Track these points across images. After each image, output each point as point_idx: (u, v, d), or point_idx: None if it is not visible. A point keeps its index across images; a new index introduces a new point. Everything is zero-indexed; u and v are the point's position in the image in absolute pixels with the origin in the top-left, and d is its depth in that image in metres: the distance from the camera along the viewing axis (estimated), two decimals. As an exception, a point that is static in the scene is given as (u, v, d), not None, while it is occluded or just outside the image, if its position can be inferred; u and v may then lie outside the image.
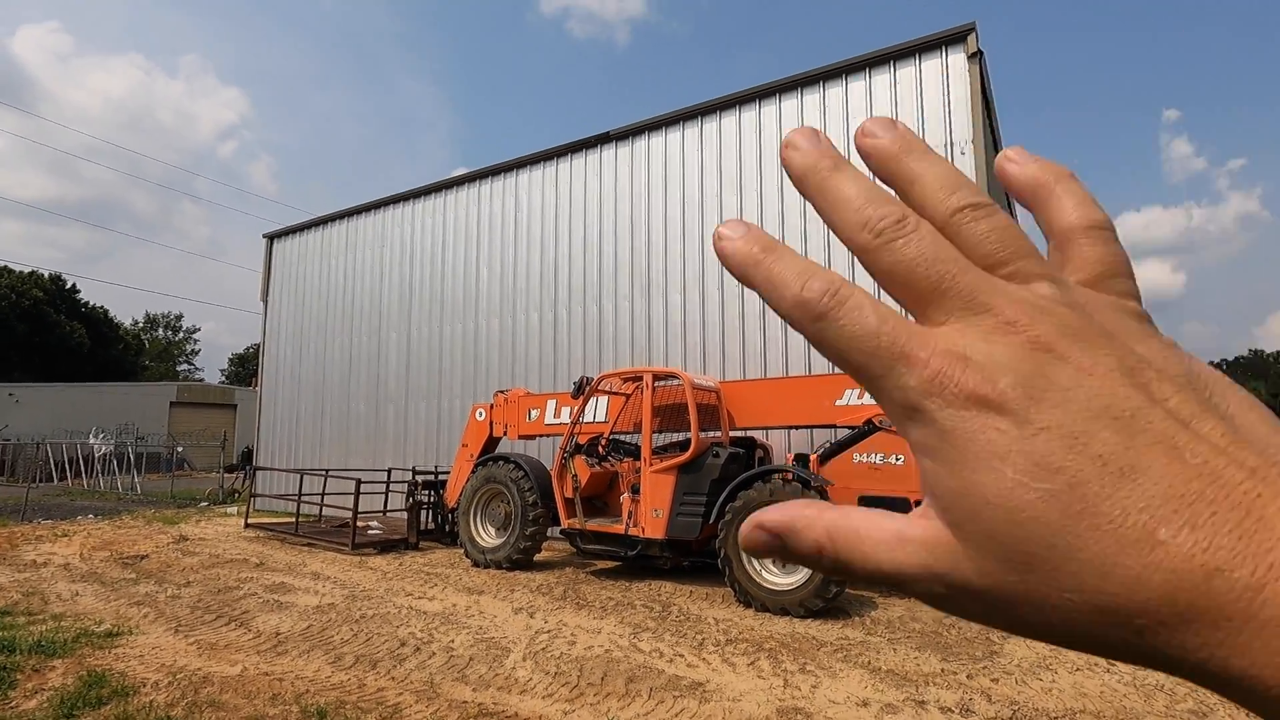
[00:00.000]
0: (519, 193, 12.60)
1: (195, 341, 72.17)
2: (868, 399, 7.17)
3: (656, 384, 8.00)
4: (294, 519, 10.69)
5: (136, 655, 5.16)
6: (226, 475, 20.26)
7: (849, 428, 7.30)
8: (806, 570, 6.39)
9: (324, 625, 5.98)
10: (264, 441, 16.38)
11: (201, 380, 63.09)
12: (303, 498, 10.65)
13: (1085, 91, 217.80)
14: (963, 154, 8.44)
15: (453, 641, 5.55)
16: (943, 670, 5.00)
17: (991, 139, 10.03)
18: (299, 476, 10.96)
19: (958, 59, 8.63)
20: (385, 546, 9.88)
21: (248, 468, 14.54)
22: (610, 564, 8.85)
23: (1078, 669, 5.06)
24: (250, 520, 11.30)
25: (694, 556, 8.00)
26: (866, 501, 6.81)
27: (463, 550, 8.81)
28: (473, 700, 4.39)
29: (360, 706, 4.22)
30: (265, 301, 16.95)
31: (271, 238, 17.09)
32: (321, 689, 4.52)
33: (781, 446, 8.81)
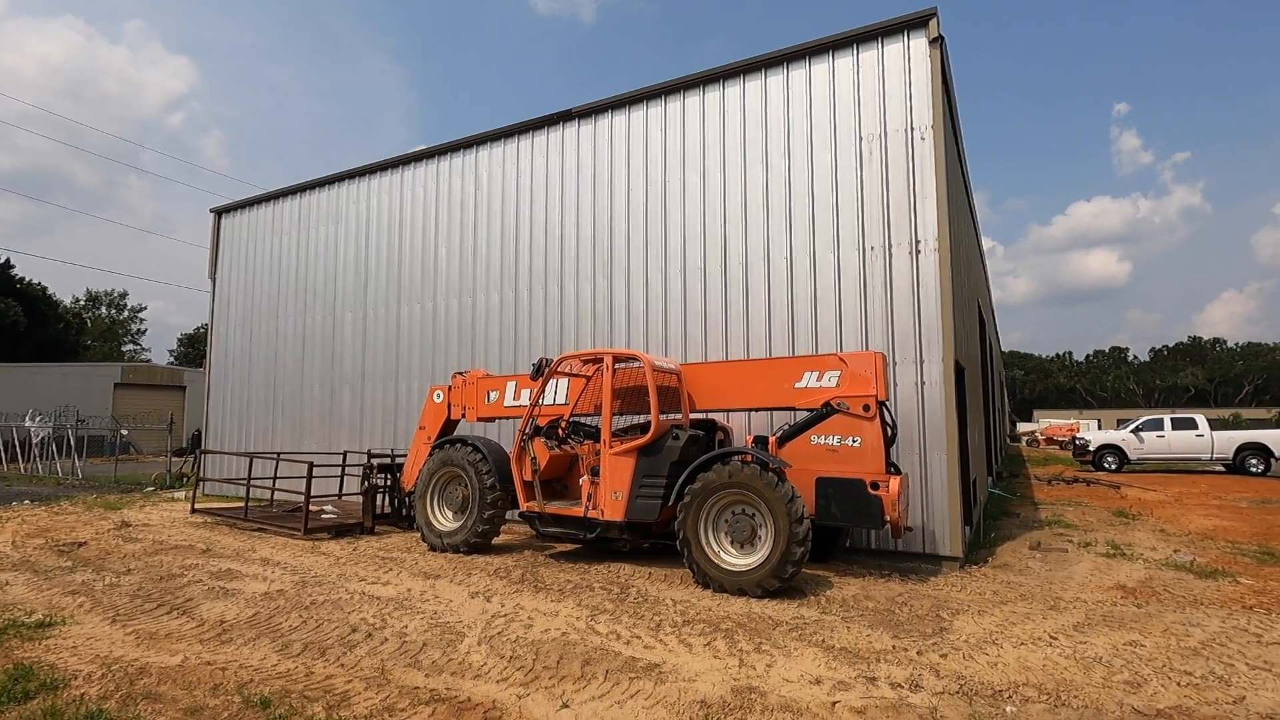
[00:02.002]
0: (479, 170, 12.31)
1: (141, 321, 69.45)
2: (826, 381, 7.23)
3: (617, 366, 7.94)
4: (244, 503, 10.38)
5: (69, 646, 4.93)
6: (174, 459, 19.60)
7: (808, 410, 7.35)
8: (765, 551, 6.45)
9: (272, 612, 5.81)
10: (213, 424, 15.84)
11: (149, 361, 60.83)
12: (253, 482, 10.34)
13: (1043, 82, 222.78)
14: (923, 139, 8.50)
15: (406, 627, 5.44)
16: (894, 647, 5.09)
17: (951, 124, 10.13)
18: (248, 460, 10.61)
19: (919, 44, 8.65)
20: (340, 531, 9.67)
21: (196, 451, 14.05)
22: (570, 547, 8.81)
23: (1022, 644, 5.21)
24: (197, 505, 10.93)
25: (654, 538, 8.01)
26: (823, 483, 6.89)
27: (419, 534, 8.67)
28: (425, 686, 4.31)
29: (306, 695, 4.10)
30: (213, 279, 16.31)
31: (220, 213, 16.41)
32: (267, 678, 4.39)
33: (743, 429, 8.85)
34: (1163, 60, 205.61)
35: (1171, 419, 22.49)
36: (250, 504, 10.67)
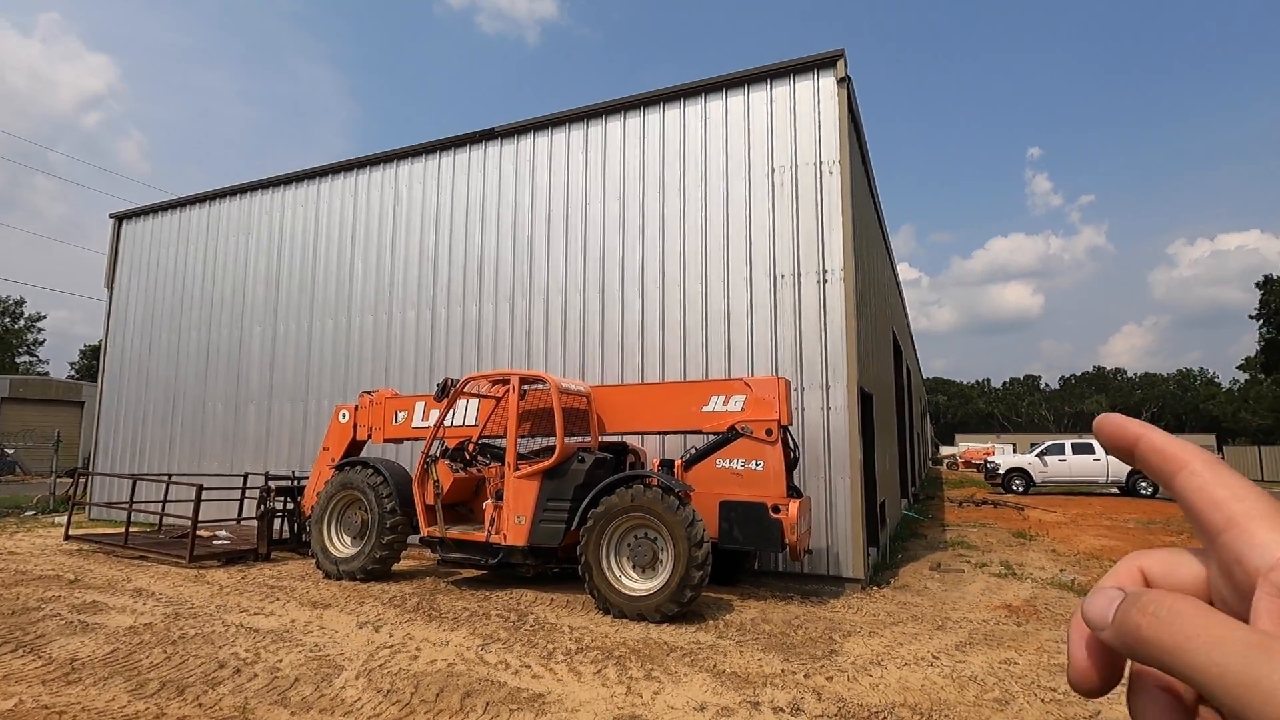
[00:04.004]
0: (399, 185, 12.06)
1: (39, 330, 64.53)
2: (732, 405, 7.33)
3: (524, 387, 7.83)
4: (124, 529, 9.66)
5: (-118, 692, 4.43)
6: (61, 480, 18.15)
7: (715, 433, 7.42)
8: (665, 575, 6.42)
9: (133, 648, 5.39)
10: (104, 443, 14.78)
11: (46, 374, 56.54)
12: (142, 506, 9.65)
13: (969, 122, 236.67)
14: (830, 173, 8.82)
15: (280, 661, 5.14)
16: (783, 670, 5.13)
17: (861, 158, 10.57)
18: (131, 482, 9.92)
19: (828, 82, 9.02)
20: (231, 558, 9.12)
21: (78, 472, 13.05)
22: (474, 573, 8.57)
23: (906, 664, 5.33)
24: (73, 532, 10.11)
25: (562, 563, 7.87)
26: (726, 506, 6.94)
27: (314, 561, 8.26)
28: (288, 725, 4.06)
29: (149, 739, 3.80)
30: (111, 289, 15.33)
31: (121, 218, 15.49)
32: (109, 721, 4.04)
33: (657, 452, 8.86)
34: (1069, 109, 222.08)
35: (1072, 444, 23.85)
36: (136, 530, 9.95)
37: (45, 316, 66.09)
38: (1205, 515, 0.36)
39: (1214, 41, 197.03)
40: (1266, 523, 0.35)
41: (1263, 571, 0.33)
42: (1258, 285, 49.95)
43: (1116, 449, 0.41)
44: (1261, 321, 49.53)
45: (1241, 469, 40.03)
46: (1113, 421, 0.42)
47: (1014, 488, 23.41)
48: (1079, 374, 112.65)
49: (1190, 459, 0.38)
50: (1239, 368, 73.08)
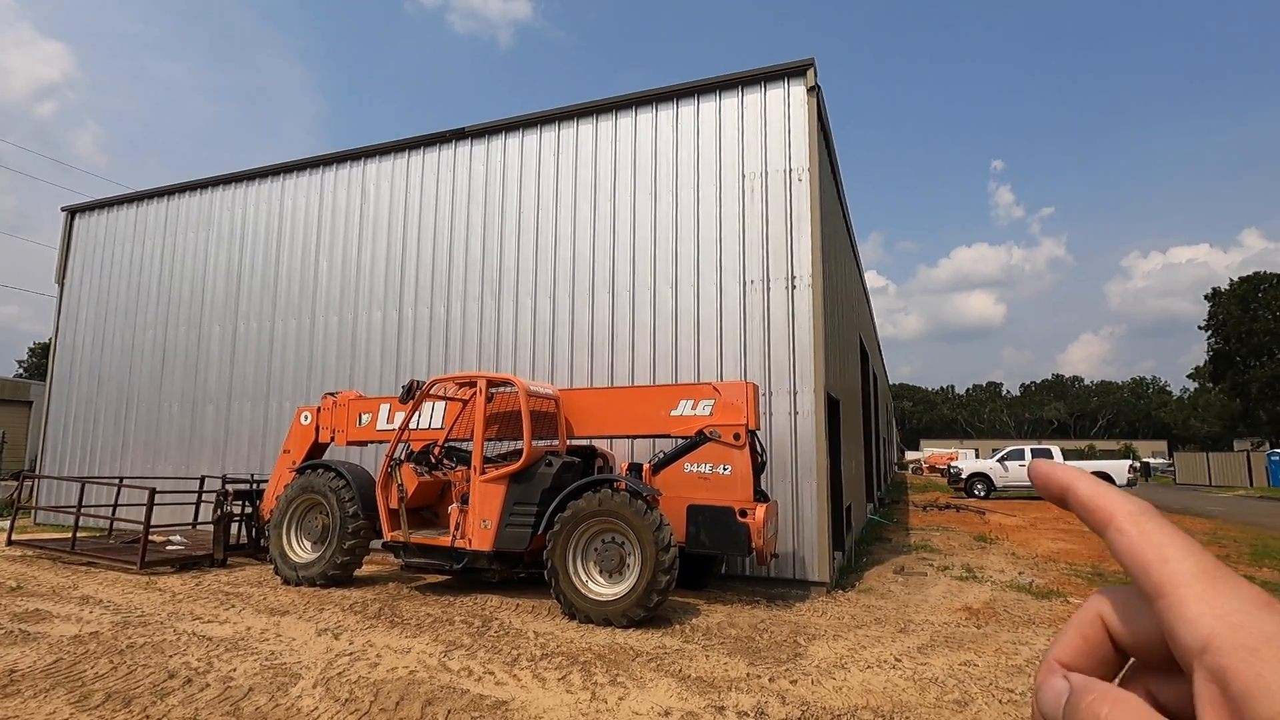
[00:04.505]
0: (366, 183, 11.85)
1: (-14, 327, 61.92)
2: (700, 409, 7.34)
3: (492, 390, 7.74)
4: (71, 534, 9.30)
5: None
6: (6, 484, 17.43)
7: (683, 437, 7.42)
8: (631, 580, 6.40)
9: (77, 658, 5.17)
10: (52, 444, 14.22)
11: (-9, 372, 54.25)
12: (92, 510, 9.30)
13: (936, 133, 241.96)
14: (800, 180, 8.91)
15: (234, 670, 4.98)
16: (748, 674, 5.14)
17: (830, 167, 10.72)
18: (79, 485, 9.56)
19: (799, 90, 9.12)
20: (185, 564, 8.83)
21: (24, 474, 12.53)
22: (438, 578, 8.44)
23: (869, 667, 5.39)
24: (16, 536, 9.70)
25: (529, 568, 7.79)
26: (694, 511, 6.94)
27: (273, 567, 8.05)
28: (240, 737, 3.93)
29: (91, 754, 3.64)
30: (61, 284, 14.78)
31: (73, 211, 14.95)
32: (49, 735, 3.87)
33: (626, 456, 8.83)
34: (1032, 119, 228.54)
35: (1031, 449, 24.47)
36: (85, 535, 9.59)
37: (-8, 312, 63.51)
38: (1137, 578, 0.35)
39: (1173, 56, 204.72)
40: (1195, 590, 0.32)
41: (1195, 653, 0.31)
42: (1206, 298, 51.95)
43: (1048, 496, 0.40)
44: (1210, 332, 51.50)
45: (1192, 474, 41.52)
46: (1042, 470, 0.41)
47: (976, 492, 23.91)
48: (1039, 381, 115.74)
49: (1114, 513, 0.37)
50: (1189, 376, 75.93)
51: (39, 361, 59.79)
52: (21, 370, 61.66)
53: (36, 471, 13.68)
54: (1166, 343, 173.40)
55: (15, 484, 17.37)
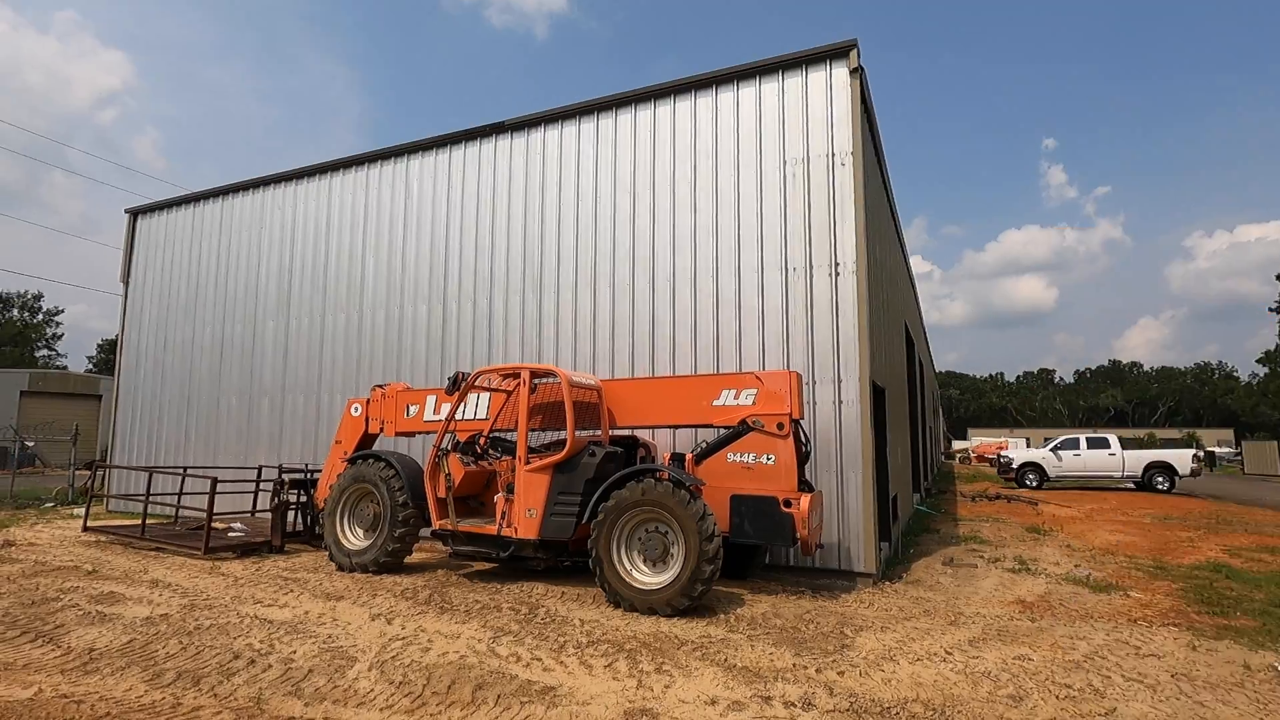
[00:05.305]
0: (409, 179, 12.07)
1: (58, 325, 65.41)
2: (743, 399, 7.29)
3: (535, 381, 7.83)
4: (141, 521, 9.78)
5: (-94, 680, 4.50)
6: (79, 473, 18.41)
7: (725, 427, 7.39)
8: (675, 569, 6.42)
9: (150, 639, 5.45)
10: (121, 436, 14.96)
11: (64, 368, 57.33)
12: (159, 498, 9.77)
13: (983, 114, 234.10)
14: (843, 165, 8.73)
15: (294, 652, 5.18)
16: (794, 665, 5.11)
17: (874, 150, 10.46)
18: (148, 475, 10.03)
19: (841, 73, 8.92)
20: (246, 550, 9.21)
21: (96, 464, 13.22)
22: (485, 566, 8.61)
23: (918, 659, 5.30)
24: (91, 523, 10.25)
25: (572, 556, 7.88)
26: (738, 500, 6.92)
27: (327, 554, 8.33)
28: (302, 715, 4.09)
29: (165, 729, 3.84)
30: (126, 283, 15.49)
31: (135, 213, 15.63)
32: (127, 710, 4.09)
33: (668, 446, 8.84)
34: (1086, 99, 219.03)
35: (1087, 439, 23.61)
36: (153, 522, 10.08)
37: (63, 311, 67.00)
38: None
39: (1235, 35, 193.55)
40: None
41: None
42: (1278, 278, 49.20)
43: None
44: (1282, 314, 48.77)
45: (1261, 463, 39.53)
46: None
47: (1027, 482, 23.22)
48: (1094, 368, 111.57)
49: None
50: (1259, 361, 72.09)
51: (107, 357, 62.87)
52: (91, 366, 64.93)
53: (107, 461, 14.41)
54: (1232, 326, 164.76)
55: (89, 473, 18.34)
